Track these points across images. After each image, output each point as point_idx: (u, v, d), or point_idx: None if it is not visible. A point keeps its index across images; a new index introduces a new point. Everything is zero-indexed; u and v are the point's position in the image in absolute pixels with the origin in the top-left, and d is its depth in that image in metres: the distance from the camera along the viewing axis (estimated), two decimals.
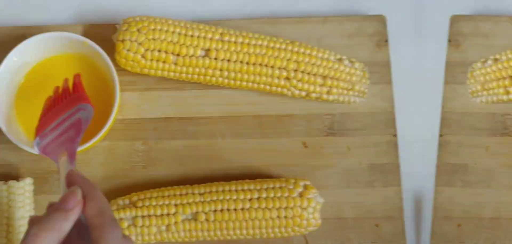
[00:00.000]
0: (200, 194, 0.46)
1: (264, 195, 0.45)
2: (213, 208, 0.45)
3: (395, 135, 0.50)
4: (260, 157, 0.50)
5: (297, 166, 0.50)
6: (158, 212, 0.45)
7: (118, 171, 0.50)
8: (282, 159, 0.50)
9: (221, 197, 0.45)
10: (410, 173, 0.50)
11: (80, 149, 0.45)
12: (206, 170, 0.50)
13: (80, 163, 0.50)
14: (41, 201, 0.49)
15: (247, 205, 0.45)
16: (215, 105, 0.51)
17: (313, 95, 0.49)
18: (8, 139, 0.46)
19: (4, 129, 0.46)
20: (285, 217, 0.44)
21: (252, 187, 0.46)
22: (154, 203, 0.46)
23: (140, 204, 0.46)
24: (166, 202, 0.45)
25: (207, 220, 0.45)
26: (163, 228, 0.45)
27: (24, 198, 0.47)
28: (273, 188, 0.45)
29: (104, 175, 0.50)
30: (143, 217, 0.45)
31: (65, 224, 0.32)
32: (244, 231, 0.45)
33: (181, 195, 0.46)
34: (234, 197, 0.45)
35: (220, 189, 0.46)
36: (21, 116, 0.50)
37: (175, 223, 0.45)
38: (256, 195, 0.45)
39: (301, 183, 0.45)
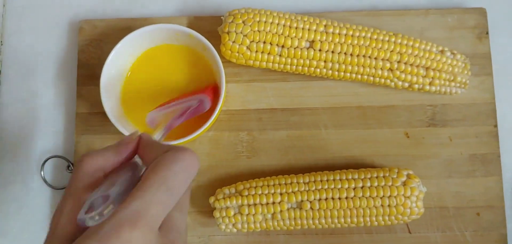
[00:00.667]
0: (305, 183, 0.47)
1: (368, 184, 0.46)
2: (318, 196, 0.46)
3: (495, 126, 0.51)
4: (362, 147, 0.51)
5: (399, 156, 0.51)
6: (264, 200, 0.46)
7: (223, 161, 0.51)
8: (385, 149, 0.51)
9: (325, 186, 0.46)
10: (510, 163, 0.51)
11: (186, 139, 0.46)
12: (309, 160, 0.51)
13: None
14: None
15: (351, 194, 0.46)
16: (318, 97, 0.52)
17: (416, 86, 0.50)
18: (114, 129, 0.46)
19: (113, 121, 0.47)
20: (389, 205, 0.45)
21: (356, 176, 0.47)
22: (259, 192, 0.47)
23: (245, 192, 0.47)
24: (272, 191, 0.47)
25: (312, 208, 0.46)
26: (269, 216, 0.47)
27: None
28: (376, 177, 0.46)
29: (209, 164, 0.51)
30: (249, 205, 0.47)
31: (113, 155, 0.33)
32: (348, 220, 0.46)
33: (285, 184, 0.47)
34: (338, 186, 0.46)
35: (325, 178, 0.47)
36: (127, 108, 0.50)
37: (281, 211, 0.46)
38: (360, 184, 0.46)
39: (404, 173, 0.46)
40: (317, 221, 0.47)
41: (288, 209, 0.46)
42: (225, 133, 0.52)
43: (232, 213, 0.47)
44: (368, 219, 0.46)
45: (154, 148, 0.32)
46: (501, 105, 0.51)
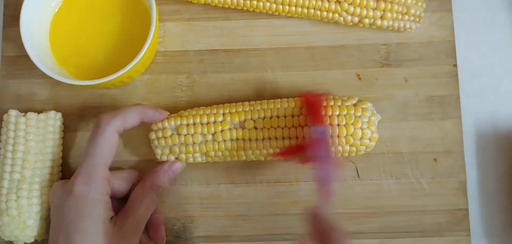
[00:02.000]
0: (249, 104, 0.43)
1: None
2: (262, 115, 0.42)
3: (455, 65, 0.47)
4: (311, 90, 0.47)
5: None
6: (204, 120, 0.42)
7: (159, 107, 0.46)
8: (335, 92, 0.47)
9: (271, 106, 0.43)
10: (471, 105, 0.47)
11: (109, 78, 0.42)
12: None
13: (119, 97, 0.48)
14: (73, 138, 0.47)
15: (297, 112, 0.42)
16: (264, 36, 0.48)
17: (366, 20, 0.46)
18: (41, 73, 0.43)
19: (36, 62, 0.43)
20: (338, 124, 0.41)
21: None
22: (200, 112, 0.43)
23: (186, 113, 0.43)
24: (214, 111, 0.43)
25: (255, 127, 0.42)
26: (210, 138, 0.42)
27: (45, 132, 0.45)
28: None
29: None
30: (187, 125, 0.42)
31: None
32: (293, 141, 0.42)
33: (229, 106, 0.43)
34: (285, 105, 0.42)
35: (271, 104, 0.43)
36: (57, 49, 0.46)
37: (222, 131, 0.42)
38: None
39: (356, 97, 0.43)
40: (260, 144, 0.42)
41: (230, 129, 0.42)
42: (163, 76, 0.48)
43: (169, 133, 0.42)
44: None
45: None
46: (461, 43, 0.48)
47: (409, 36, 0.48)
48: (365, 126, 0.41)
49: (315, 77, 0.47)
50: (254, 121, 0.42)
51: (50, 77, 0.42)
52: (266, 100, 0.44)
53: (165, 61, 0.48)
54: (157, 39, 0.48)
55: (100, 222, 0.38)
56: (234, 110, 0.43)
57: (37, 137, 0.44)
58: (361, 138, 0.41)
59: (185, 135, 0.42)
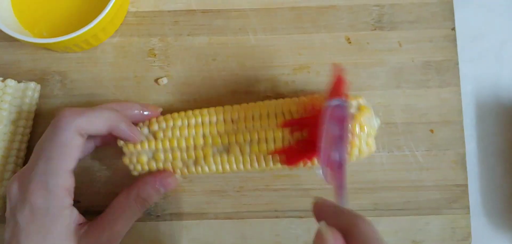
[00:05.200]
0: (233, 121, 0.37)
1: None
2: (248, 138, 0.37)
3: (453, 28, 0.43)
4: (297, 55, 0.43)
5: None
6: (183, 144, 0.37)
7: (130, 72, 0.43)
8: (323, 57, 0.43)
9: (258, 124, 0.37)
10: (470, 72, 0.43)
11: (71, 35, 0.38)
12: (235, 71, 0.43)
13: (86, 63, 0.43)
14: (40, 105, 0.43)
15: (287, 135, 0.36)
16: None
17: None
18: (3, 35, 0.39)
19: None
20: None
21: (294, 108, 0.37)
22: (177, 134, 0.37)
23: (161, 134, 0.38)
24: (192, 133, 0.37)
25: (241, 152, 0.37)
26: (190, 162, 0.37)
27: (22, 103, 0.40)
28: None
29: (114, 76, 0.43)
30: (165, 151, 0.37)
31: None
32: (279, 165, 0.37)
33: (210, 123, 0.38)
34: (274, 122, 0.37)
35: (257, 112, 0.38)
36: (18, 11, 0.43)
37: (204, 157, 0.37)
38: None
39: (354, 103, 0.37)
40: (248, 166, 0.37)
41: (213, 154, 0.37)
42: (134, 39, 0.43)
43: (145, 159, 0.38)
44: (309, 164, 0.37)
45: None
46: (460, 4, 0.44)
47: None
48: (363, 143, 0.36)
49: (300, 41, 0.43)
50: (240, 145, 0.37)
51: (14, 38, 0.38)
52: (252, 111, 0.38)
53: (136, 23, 0.44)
54: None
55: (63, 239, 0.33)
56: (215, 132, 0.37)
57: (12, 107, 0.40)
58: (359, 156, 0.36)
59: (163, 161, 0.37)
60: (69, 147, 0.33)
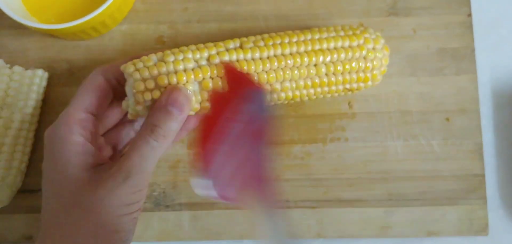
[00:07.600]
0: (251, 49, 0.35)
1: (332, 45, 0.36)
2: (267, 66, 0.35)
3: (469, 15, 0.42)
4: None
5: None
6: (189, 55, 0.34)
7: None
8: None
9: (278, 50, 0.35)
10: (487, 59, 0.42)
11: (77, 22, 0.37)
12: None
13: (94, 50, 0.43)
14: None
15: (301, 48, 0.36)
16: None
17: None
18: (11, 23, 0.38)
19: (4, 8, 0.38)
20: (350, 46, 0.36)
21: (309, 36, 0.37)
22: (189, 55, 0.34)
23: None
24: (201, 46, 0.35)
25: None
26: (203, 62, 0.34)
27: (29, 91, 0.40)
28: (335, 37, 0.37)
29: None
30: (174, 53, 0.34)
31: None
32: (294, 84, 0.36)
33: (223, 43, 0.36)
34: (286, 40, 0.36)
35: (278, 41, 0.36)
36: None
37: (218, 53, 0.34)
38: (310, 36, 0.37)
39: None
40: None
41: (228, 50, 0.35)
42: (142, 26, 0.43)
43: (151, 61, 0.34)
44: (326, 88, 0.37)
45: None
46: None
47: None
48: (378, 55, 0.36)
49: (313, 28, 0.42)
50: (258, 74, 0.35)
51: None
52: (272, 41, 0.36)
53: (145, 10, 0.43)
54: None
55: (70, 166, 0.32)
56: (223, 49, 0.35)
57: (20, 94, 0.39)
58: (372, 70, 0.37)
59: (173, 62, 0.34)
60: (90, 85, 0.34)
